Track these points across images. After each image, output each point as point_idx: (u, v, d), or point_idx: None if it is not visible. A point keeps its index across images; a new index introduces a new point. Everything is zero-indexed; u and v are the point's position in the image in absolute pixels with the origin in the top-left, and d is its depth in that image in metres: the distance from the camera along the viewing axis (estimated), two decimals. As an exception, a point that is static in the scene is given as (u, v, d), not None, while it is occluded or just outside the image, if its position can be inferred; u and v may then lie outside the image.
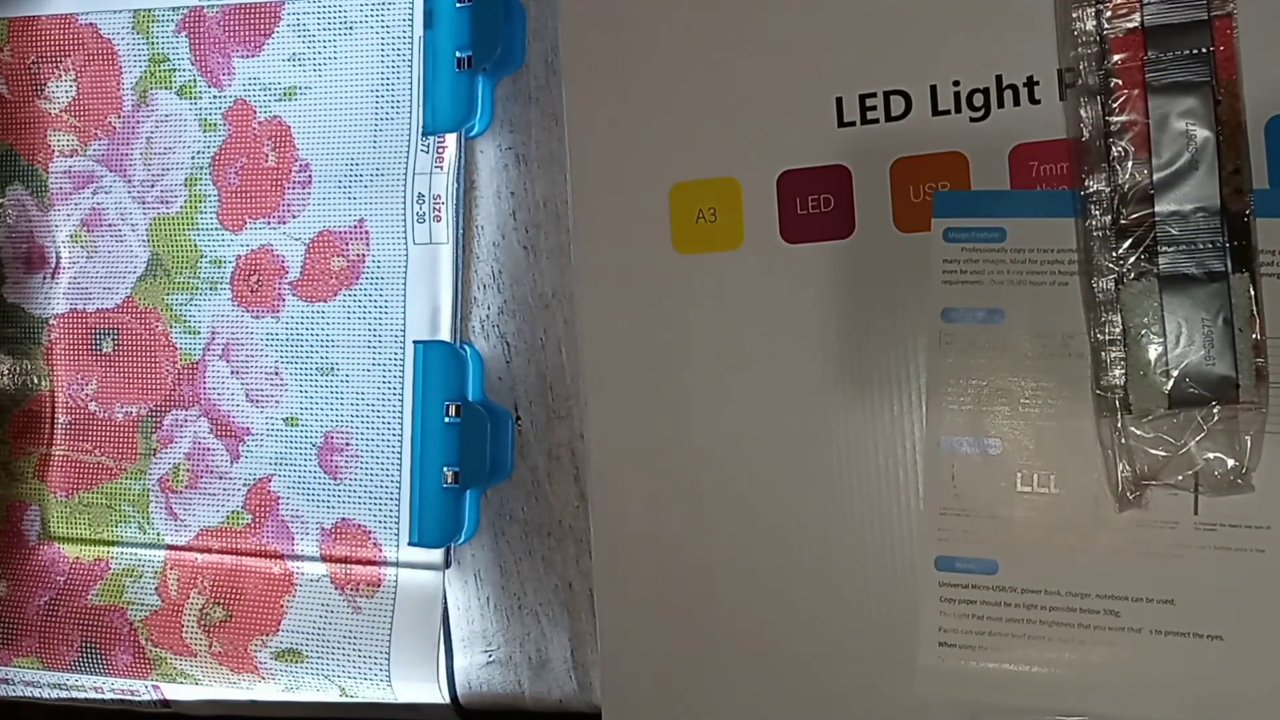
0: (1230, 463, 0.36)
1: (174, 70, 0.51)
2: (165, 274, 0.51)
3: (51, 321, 0.53)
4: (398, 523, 0.48)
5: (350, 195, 0.49)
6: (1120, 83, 0.37)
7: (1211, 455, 0.36)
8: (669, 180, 0.43)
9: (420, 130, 0.48)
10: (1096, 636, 0.38)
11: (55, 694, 0.52)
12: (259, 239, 0.50)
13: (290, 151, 0.50)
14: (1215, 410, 0.36)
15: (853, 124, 0.41)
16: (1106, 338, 0.37)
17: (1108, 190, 0.37)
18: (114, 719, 0.53)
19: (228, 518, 0.50)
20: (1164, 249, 0.37)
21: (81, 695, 0.52)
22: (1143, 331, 0.37)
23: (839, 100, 0.41)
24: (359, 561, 0.49)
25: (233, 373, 0.50)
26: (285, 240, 0.50)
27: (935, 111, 0.40)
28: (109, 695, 0.52)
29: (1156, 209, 0.37)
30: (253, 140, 0.50)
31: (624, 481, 0.43)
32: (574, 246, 0.44)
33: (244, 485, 0.50)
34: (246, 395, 0.50)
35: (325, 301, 0.49)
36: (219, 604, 0.50)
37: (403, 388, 0.48)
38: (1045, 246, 0.39)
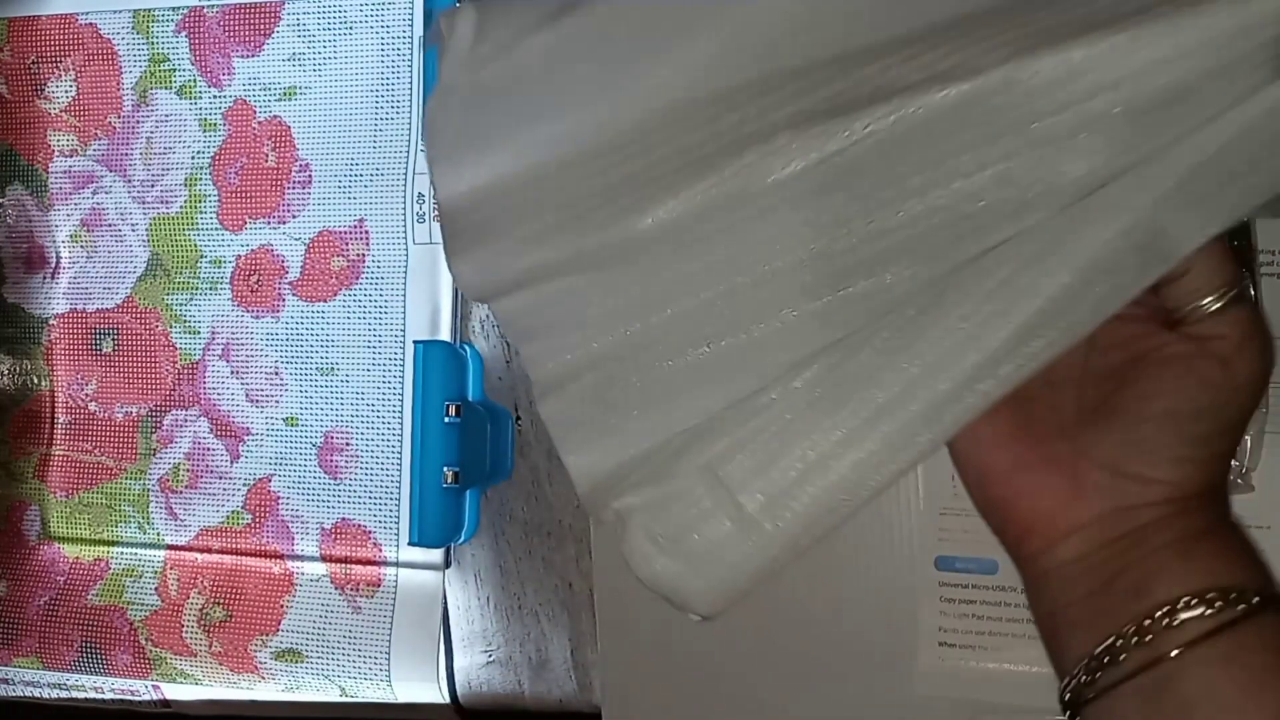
0: (1230, 463, 0.36)
1: (174, 70, 0.51)
2: (165, 274, 0.51)
3: (51, 321, 0.53)
4: (398, 523, 0.48)
5: (350, 195, 0.49)
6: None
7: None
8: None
9: (420, 130, 0.48)
10: (1096, 636, 0.38)
11: (55, 694, 0.52)
12: (259, 239, 0.50)
13: (290, 151, 0.50)
14: (1215, 410, 0.36)
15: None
16: (1106, 338, 0.37)
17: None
18: (114, 719, 0.53)
19: (228, 518, 0.50)
20: (1164, 249, 0.37)
21: (81, 695, 0.52)
22: (1143, 331, 0.36)
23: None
24: (359, 561, 0.49)
25: (233, 373, 0.50)
26: (285, 240, 0.50)
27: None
28: (109, 695, 0.52)
29: (1156, 209, 0.37)
30: (253, 140, 0.50)
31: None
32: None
33: (244, 485, 0.50)
34: (246, 395, 0.50)
35: (325, 301, 0.49)
36: (219, 604, 0.50)
37: (403, 388, 0.48)
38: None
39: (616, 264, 0.29)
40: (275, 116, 0.50)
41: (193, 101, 0.51)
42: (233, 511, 0.50)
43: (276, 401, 0.50)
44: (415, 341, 0.46)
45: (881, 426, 0.28)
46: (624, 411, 0.30)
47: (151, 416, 0.52)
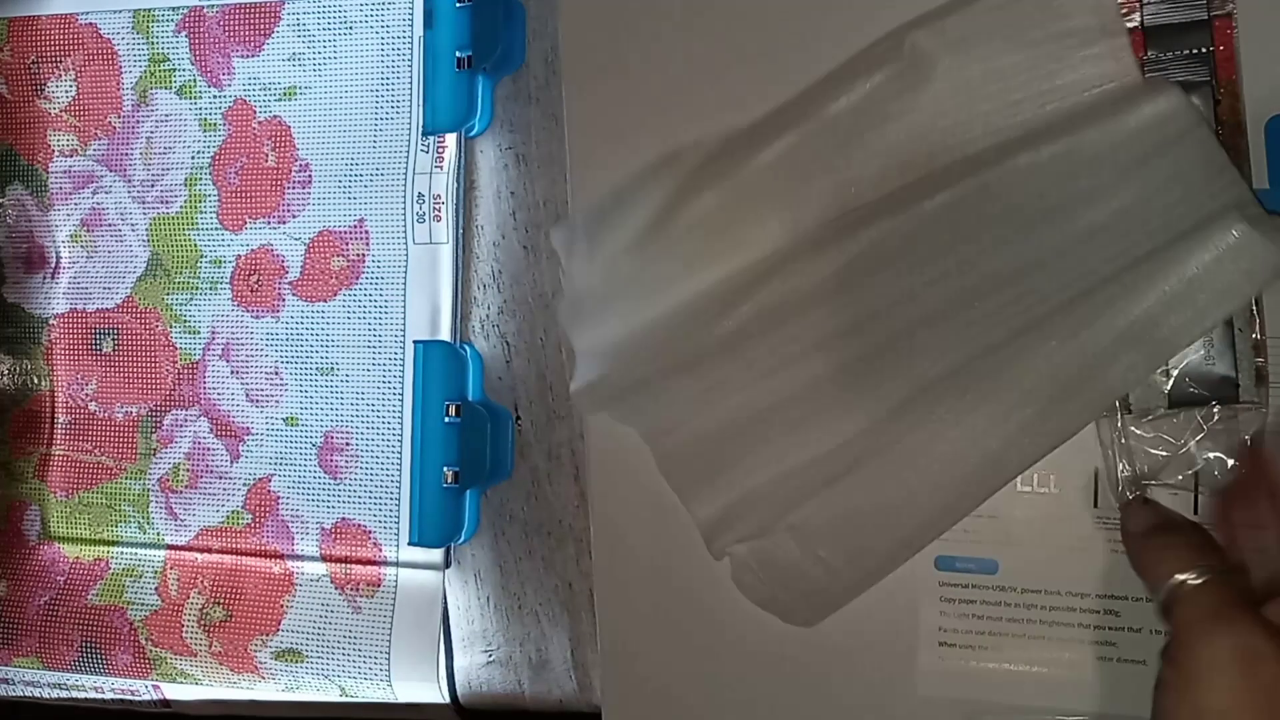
0: (1230, 463, 0.36)
1: (174, 70, 0.51)
2: (165, 274, 0.51)
3: (51, 321, 0.53)
4: (398, 523, 0.48)
5: (350, 195, 0.49)
6: (1120, 83, 0.37)
7: (1211, 455, 0.36)
8: (669, 180, 0.43)
9: (420, 130, 0.48)
10: (1096, 636, 0.38)
11: (55, 694, 0.52)
12: (259, 239, 0.50)
13: (290, 151, 0.50)
14: (1215, 410, 0.36)
15: (853, 124, 0.41)
16: (1106, 338, 0.37)
17: (1107, 190, 0.37)
18: (114, 719, 0.53)
19: (228, 518, 0.50)
20: (1164, 249, 0.37)
21: (81, 695, 0.52)
22: (1142, 331, 0.37)
23: (839, 100, 0.41)
24: (359, 561, 0.49)
25: (233, 373, 0.50)
26: (285, 240, 0.50)
27: (935, 112, 0.40)
28: (109, 695, 0.52)
29: (1156, 209, 0.37)
30: (253, 140, 0.50)
31: (624, 482, 0.43)
32: (574, 247, 0.45)
33: (244, 485, 0.50)
34: (246, 395, 0.50)
35: (325, 301, 0.49)
36: (219, 604, 0.50)
37: (403, 388, 0.48)
38: (1045, 247, 0.39)
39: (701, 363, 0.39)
40: (275, 116, 0.50)
41: (193, 101, 0.51)
42: (233, 511, 0.50)
43: (276, 401, 0.50)
44: (415, 341, 0.46)
45: (929, 494, 0.37)
46: (715, 468, 0.40)
47: (151, 416, 0.52)
